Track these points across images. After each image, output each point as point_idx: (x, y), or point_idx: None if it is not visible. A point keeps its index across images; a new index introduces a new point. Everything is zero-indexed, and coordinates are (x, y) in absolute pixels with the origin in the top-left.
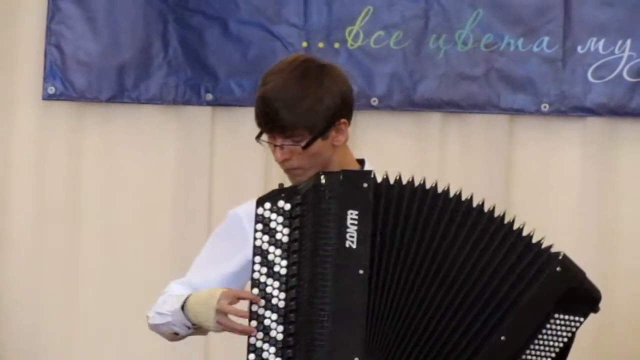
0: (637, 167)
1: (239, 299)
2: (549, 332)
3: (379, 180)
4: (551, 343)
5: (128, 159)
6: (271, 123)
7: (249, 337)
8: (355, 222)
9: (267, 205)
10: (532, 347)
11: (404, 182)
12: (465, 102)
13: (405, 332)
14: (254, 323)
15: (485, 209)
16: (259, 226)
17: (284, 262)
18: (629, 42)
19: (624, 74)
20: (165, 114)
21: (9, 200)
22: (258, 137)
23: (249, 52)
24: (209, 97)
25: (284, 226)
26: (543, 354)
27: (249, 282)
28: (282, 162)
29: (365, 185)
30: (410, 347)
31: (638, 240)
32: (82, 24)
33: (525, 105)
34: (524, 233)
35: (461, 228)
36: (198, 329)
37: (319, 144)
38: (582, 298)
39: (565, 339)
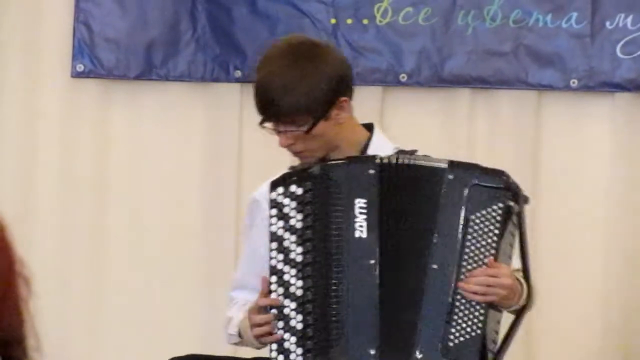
0: None
1: (262, 309)
2: (475, 234)
3: (384, 160)
4: (483, 242)
5: (156, 136)
6: (270, 111)
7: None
8: (364, 211)
9: (280, 189)
10: (466, 256)
11: (398, 160)
12: (494, 78)
13: (409, 316)
14: (274, 311)
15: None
16: (274, 211)
17: (299, 249)
18: None
19: None
20: (193, 91)
21: (37, 178)
22: (262, 123)
23: (277, 29)
24: (238, 74)
25: (297, 211)
26: (482, 255)
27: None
28: (287, 147)
29: (371, 171)
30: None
31: None
32: (110, 1)
33: (554, 81)
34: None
35: (433, 197)
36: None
37: (321, 125)
38: (485, 187)
39: (497, 231)
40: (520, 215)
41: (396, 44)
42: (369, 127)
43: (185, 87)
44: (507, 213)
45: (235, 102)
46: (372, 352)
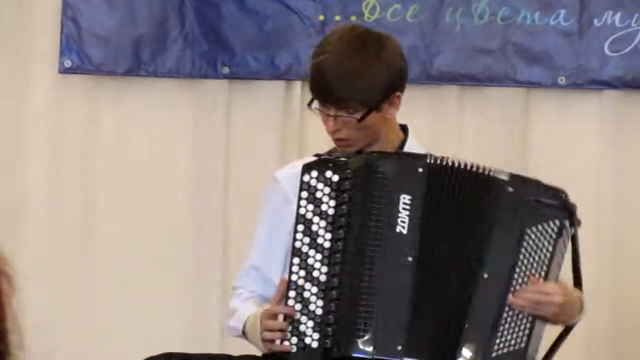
0: None
1: (275, 316)
2: (529, 248)
3: (435, 161)
4: (537, 257)
5: (144, 132)
6: (326, 95)
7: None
8: (408, 207)
9: (314, 173)
10: (518, 269)
11: (450, 163)
12: (482, 76)
13: (442, 316)
14: (292, 293)
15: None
16: (304, 194)
17: (328, 235)
18: None
19: None
20: (181, 87)
21: (25, 174)
22: (310, 104)
23: (265, 25)
24: (226, 70)
25: (331, 198)
26: (534, 270)
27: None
28: (332, 132)
29: (420, 170)
30: (446, 331)
31: None
32: None
33: (542, 79)
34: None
35: (489, 207)
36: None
37: (372, 116)
38: (544, 203)
39: (550, 247)
40: (574, 239)
41: None
42: (404, 129)
43: (173, 83)
44: (561, 231)
45: (223, 98)
46: (399, 348)
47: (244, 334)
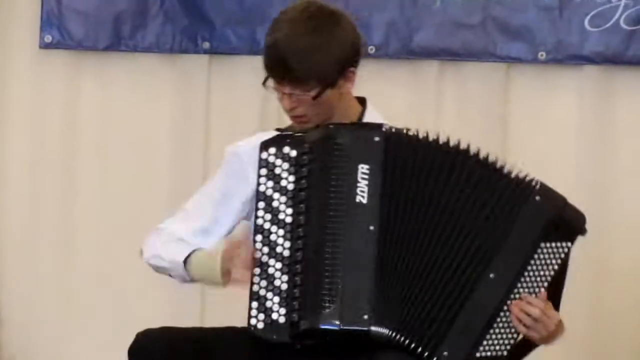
0: (633, 115)
1: (242, 247)
2: (538, 262)
3: (388, 128)
4: (542, 272)
5: (125, 108)
6: (282, 73)
7: (252, 284)
8: (366, 177)
9: (272, 150)
10: (523, 279)
11: (408, 132)
12: (462, 51)
13: (410, 286)
14: (257, 270)
15: (481, 156)
16: (263, 171)
17: (290, 210)
18: None
19: (621, 22)
20: (162, 62)
21: (5, 149)
22: (264, 83)
23: (245, 0)
24: (206, 45)
25: (290, 173)
26: (535, 284)
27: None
28: (289, 110)
29: (376, 139)
30: (414, 301)
31: (634, 189)
32: None
33: (522, 54)
34: (506, 169)
35: (459, 178)
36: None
37: (328, 93)
38: (566, 223)
39: (556, 266)
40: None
41: (364, 16)
42: (362, 101)
43: (153, 58)
44: (568, 254)
45: (204, 73)
46: (365, 317)
47: (185, 269)
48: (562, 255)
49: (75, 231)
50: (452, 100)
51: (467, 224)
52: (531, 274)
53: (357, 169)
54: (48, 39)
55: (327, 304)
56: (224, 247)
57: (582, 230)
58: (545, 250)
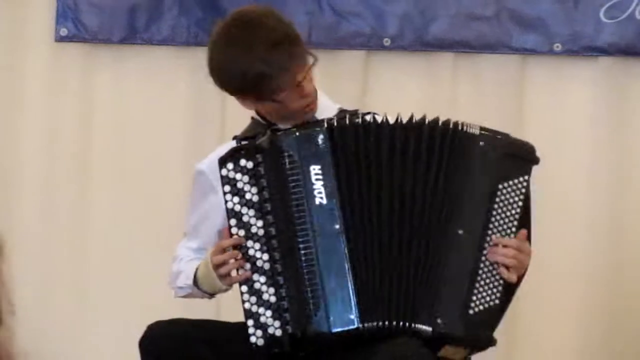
0: None
1: (224, 250)
2: (501, 203)
3: (329, 124)
4: (508, 213)
5: (140, 100)
6: (288, 62)
7: (243, 302)
8: (320, 177)
9: (230, 165)
10: (491, 225)
11: (353, 120)
12: (477, 42)
13: (386, 272)
14: (244, 288)
15: (425, 128)
16: (227, 188)
17: (260, 223)
18: None
19: (636, 14)
20: (177, 55)
21: (20, 143)
22: (274, 99)
23: None
24: None
25: (251, 185)
26: (505, 226)
27: None
28: (307, 95)
29: (321, 137)
30: (394, 285)
31: None
32: None
33: (537, 45)
34: (450, 130)
35: (406, 154)
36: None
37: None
38: (516, 157)
39: (520, 202)
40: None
41: (379, 7)
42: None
43: (169, 51)
44: (529, 185)
45: None
46: (352, 317)
47: (195, 285)
48: (523, 190)
49: (90, 226)
50: (467, 92)
51: (422, 194)
52: (498, 217)
53: (309, 172)
54: (63, 32)
55: (313, 312)
56: (209, 254)
57: (534, 159)
58: (505, 191)
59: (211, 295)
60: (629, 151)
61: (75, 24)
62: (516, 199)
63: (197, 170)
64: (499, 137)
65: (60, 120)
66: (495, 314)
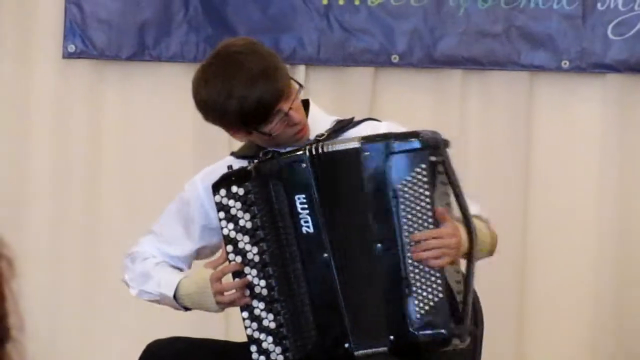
0: None
1: (224, 274)
2: (406, 201)
3: (311, 151)
4: (418, 207)
5: (148, 118)
6: (273, 102)
7: (245, 329)
8: (305, 206)
9: (223, 192)
10: (405, 226)
11: (324, 148)
12: (486, 59)
13: (367, 297)
14: (245, 314)
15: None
16: (222, 214)
17: (255, 249)
18: None
19: None
20: (186, 72)
21: (29, 159)
22: (268, 134)
23: (269, 9)
24: None
25: (244, 211)
26: (421, 220)
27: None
28: (298, 123)
29: (303, 165)
30: (372, 311)
31: None
32: None
33: (546, 62)
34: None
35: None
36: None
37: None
38: (405, 153)
39: (427, 192)
40: (444, 163)
41: (388, 24)
42: (305, 104)
43: (177, 68)
44: (432, 169)
45: None
46: (347, 345)
47: (175, 299)
48: (425, 179)
49: (100, 241)
50: (476, 109)
51: (362, 219)
52: (409, 216)
53: (294, 201)
54: (71, 48)
55: (309, 339)
56: (207, 273)
57: (425, 145)
58: (405, 189)
59: (187, 309)
60: (637, 168)
61: (83, 41)
62: (420, 190)
63: (189, 182)
64: (381, 140)
65: (68, 137)
66: (444, 306)
